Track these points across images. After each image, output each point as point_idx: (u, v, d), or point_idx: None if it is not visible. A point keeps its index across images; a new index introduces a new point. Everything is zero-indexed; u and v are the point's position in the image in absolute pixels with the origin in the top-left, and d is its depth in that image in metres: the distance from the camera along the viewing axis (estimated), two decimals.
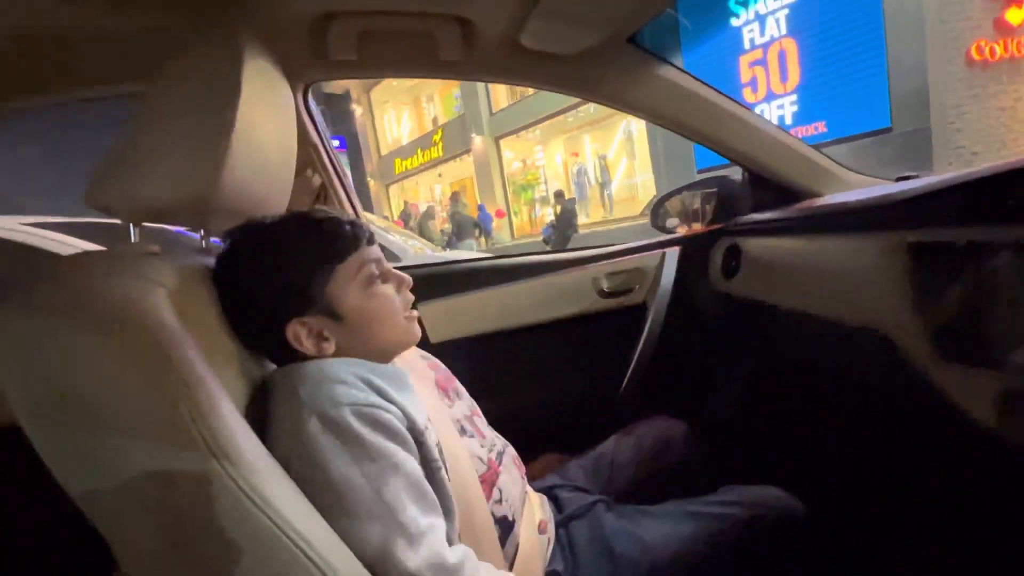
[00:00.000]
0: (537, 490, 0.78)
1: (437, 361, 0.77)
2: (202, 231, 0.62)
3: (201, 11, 0.57)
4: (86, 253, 0.48)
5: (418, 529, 0.47)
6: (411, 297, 0.63)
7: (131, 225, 0.54)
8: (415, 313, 0.63)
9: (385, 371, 0.55)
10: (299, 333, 0.54)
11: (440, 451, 0.55)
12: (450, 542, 0.51)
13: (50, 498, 0.39)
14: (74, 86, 0.82)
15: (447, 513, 0.52)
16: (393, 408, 0.51)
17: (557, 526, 0.72)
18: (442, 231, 8.85)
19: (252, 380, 0.53)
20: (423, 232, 8.32)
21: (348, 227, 0.57)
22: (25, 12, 0.67)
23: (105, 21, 0.71)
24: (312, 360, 0.54)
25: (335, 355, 0.56)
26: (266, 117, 0.56)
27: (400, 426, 0.50)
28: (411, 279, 0.63)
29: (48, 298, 0.39)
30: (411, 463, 0.50)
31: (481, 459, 0.65)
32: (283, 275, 0.54)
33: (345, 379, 0.50)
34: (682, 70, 1.03)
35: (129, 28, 0.73)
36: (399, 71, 0.98)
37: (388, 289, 0.60)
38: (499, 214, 11.56)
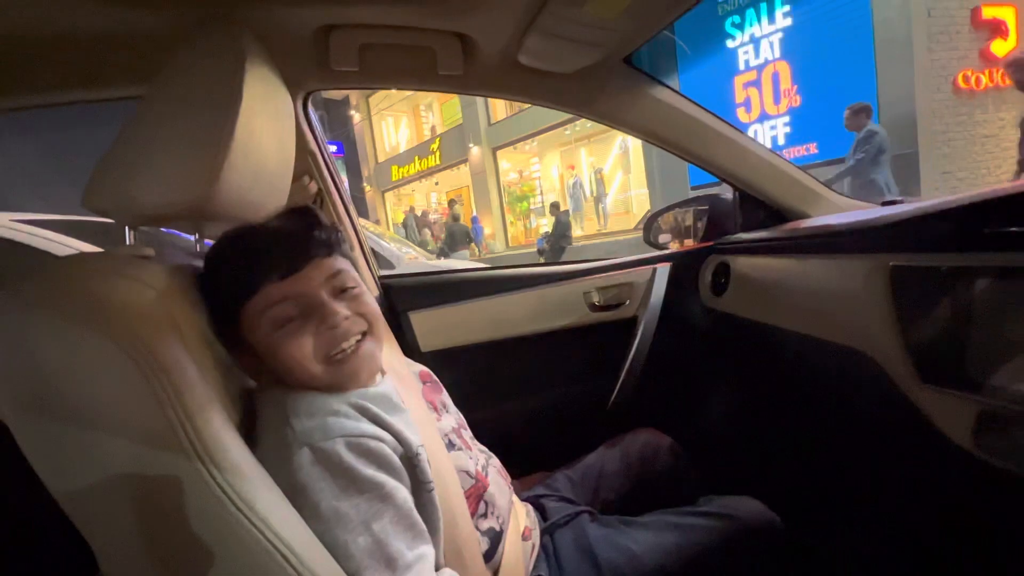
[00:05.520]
0: (523, 499, 0.78)
1: (427, 370, 0.77)
2: (197, 235, 0.62)
3: (202, 16, 0.57)
4: (80, 254, 0.48)
5: (405, 562, 0.46)
6: (347, 330, 0.53)
7: (126, 227, 0.54)
8: (359, 349, 0.54)
9: (376, 395, 0.54)
10: (244, 363, 0.53)
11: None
12: (437, 566, 0.50)
13: (35, 496, 0.38)
14: (72, 89, 0.82)
15: (434, 532, 0.52)
16: (387, 436, 0.50)
17: (542, 533, 0.72)
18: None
19: (240, 386, 0.53)
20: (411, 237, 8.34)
21: (253, 265, 0.51)
22: (24, 13, 0.67)
23: (105, 24, 0.71)
24: (303, 390, 0.52)
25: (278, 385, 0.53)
26: (265, 124, 0.56)
27: (392, 455, 0.50)
28: (344, 312, 0.53)
29: (38, 292, 0.39)
30: (402, 492, 0.49)
31: (469, 472, 0.64)
32: (211, 310, 0.52)
33: (338, 409, 0.50)
34: (676, 91, 1.05)
35: (129, 32, 0.73)
36: (399, 83, 0.99)
37: (300, 333, 0.51)
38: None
